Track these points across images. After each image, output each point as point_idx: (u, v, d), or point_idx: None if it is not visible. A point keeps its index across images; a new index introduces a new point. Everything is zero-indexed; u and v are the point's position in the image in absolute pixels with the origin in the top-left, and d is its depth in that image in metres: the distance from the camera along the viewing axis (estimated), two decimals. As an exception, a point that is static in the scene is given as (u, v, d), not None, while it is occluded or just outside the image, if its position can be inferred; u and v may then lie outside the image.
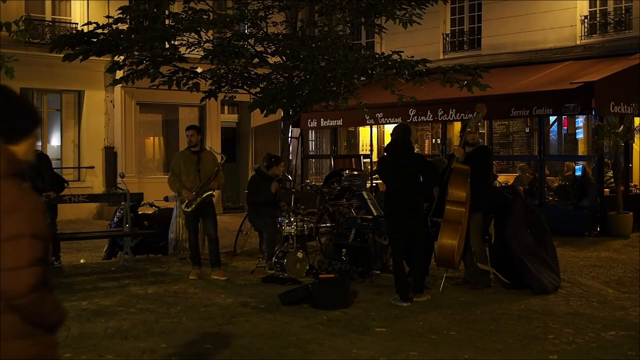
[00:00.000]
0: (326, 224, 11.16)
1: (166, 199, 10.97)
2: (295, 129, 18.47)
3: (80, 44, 10.71)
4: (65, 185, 10.05)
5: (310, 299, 7.44)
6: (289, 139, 12.56)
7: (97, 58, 11.57)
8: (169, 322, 6.80)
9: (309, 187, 13.82)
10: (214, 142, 18.27)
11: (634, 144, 15.46)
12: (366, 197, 9.78)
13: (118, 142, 18.34)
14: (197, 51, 11.39)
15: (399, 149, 7.88)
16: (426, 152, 19.02)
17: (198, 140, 9.32)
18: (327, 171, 18.98)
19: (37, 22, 16.85)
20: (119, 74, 13.04)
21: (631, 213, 13.59)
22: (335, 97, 11.56)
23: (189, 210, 9.15)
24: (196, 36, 11.12)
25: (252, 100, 11.46)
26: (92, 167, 18.17)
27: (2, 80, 11.76)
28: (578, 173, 14.96)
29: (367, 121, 16.62)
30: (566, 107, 13.81)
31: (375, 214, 9.28)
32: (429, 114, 15.84)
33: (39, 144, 10.51)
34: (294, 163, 18.27)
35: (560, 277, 8.57)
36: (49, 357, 2.57)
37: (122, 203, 10.55)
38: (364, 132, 20.29)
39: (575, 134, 17.73)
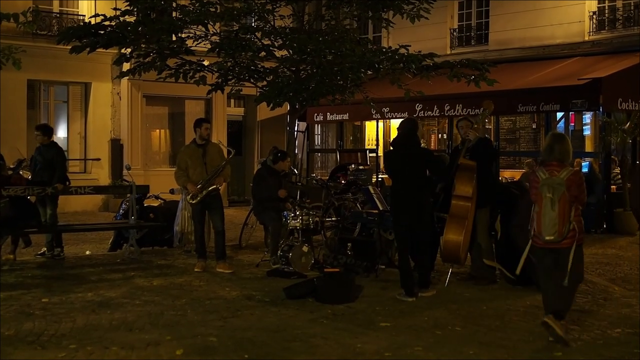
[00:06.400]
0: (331, 218, 11.14)
1: (172, 191, 10.97)
2: (301, 122, 18.47)
3: (87, 36, 10.72)
4: (67, 183, 10.14)
5: (315, 293, 7.44)
6: (295, 132, 12.53)
7: (104, 50, 11.57)
8: (173, 315, 6.81)
9: (314, 181, 13.80)
10: (220, 136, 18.25)
11: (641, 141, 15.40)
12: (372, 191, 9.76)
13: (124, 134, 18.36)
14: (204, 44, 11.38)
15: (405, 143, 7.87)
16: (432, 148, 18.98)
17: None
18: (332, 165, 18.96)
19: (45, 14, 16.84)
20: (126, 66, 13.06)
21: (638, 210, 13.54)
22: (341, 91, 11.53)
23: (193, 202, 9.16)
24: (203, 29, 11.11)
25: (258, 93, 11.44)
26: (99, 159, 18.21)
27: (9, 71, 11.77)
28: (585, 170, 14.90)
29: (374, 116, 16.59)
30: (573, 104, 13.76)
31: (380, 209, 9.26)
32: (435, 109, 15.81)
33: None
34: (299, 157, 18.28)
35: (566, 274, 8.53)
36: None
37: (128, 195, 10.56)
38: (370, 127, 20.26)
39: (582, 130, 17.65)
